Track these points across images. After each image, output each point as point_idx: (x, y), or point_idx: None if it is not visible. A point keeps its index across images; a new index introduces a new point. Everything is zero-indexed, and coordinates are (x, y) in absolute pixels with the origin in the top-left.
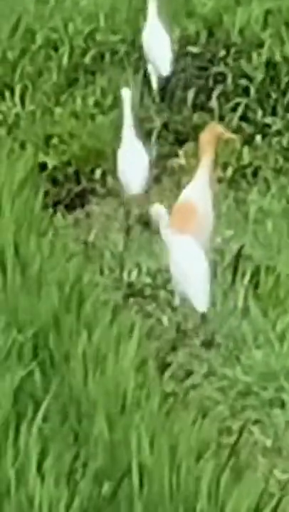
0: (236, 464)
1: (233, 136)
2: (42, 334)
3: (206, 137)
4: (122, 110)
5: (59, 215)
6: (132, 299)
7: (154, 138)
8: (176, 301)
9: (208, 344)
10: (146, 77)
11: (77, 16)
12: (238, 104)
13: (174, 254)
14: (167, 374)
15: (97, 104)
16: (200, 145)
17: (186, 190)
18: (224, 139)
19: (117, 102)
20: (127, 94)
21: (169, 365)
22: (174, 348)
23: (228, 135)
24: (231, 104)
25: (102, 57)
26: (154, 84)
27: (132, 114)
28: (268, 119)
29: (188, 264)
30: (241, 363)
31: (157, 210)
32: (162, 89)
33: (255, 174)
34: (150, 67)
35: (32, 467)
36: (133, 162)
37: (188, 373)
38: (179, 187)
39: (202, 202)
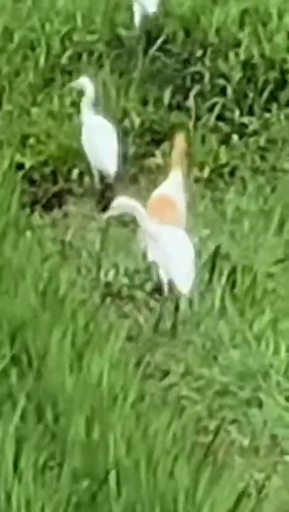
0: (214, 463)
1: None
2: (19, 333)
3: (175, 151)
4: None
5: (36, 214)
6: (109, 299)
7: (131, 137)
8: (165, 290)
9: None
10: (121, 78)
11: (54, 16)
12: (215, 104)
13: (160, 240)
14: (144, 374)
15: (73, 104)
16: (172, 158)
17: (162, 187)
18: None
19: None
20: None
21: (146, 364)
22: (151, 348)
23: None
24: (208, 103)
25: (79, 57)
26: (137, 24)
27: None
28: (245, 119)
29: (175, 248)
30: (218, 363)
31: (126, 202)
32: (139, 88)
33: (232, 174)
34: (136, 7)
35: (9, 466)
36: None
37: (166, 373)
38: (155, 186)
39: (179, 199)
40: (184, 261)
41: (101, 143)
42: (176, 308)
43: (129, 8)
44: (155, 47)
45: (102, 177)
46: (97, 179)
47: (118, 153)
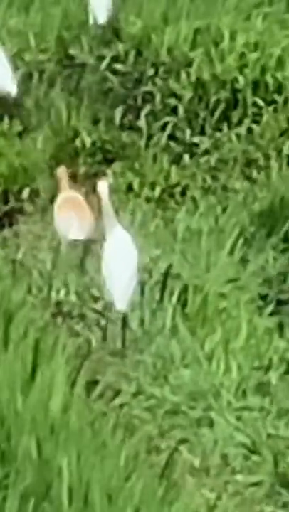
0: (166, 483)
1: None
2: None
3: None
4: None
5: None
6: (59, 318)
7: (82, 157)
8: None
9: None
10: (73, 96)
11: (6, 34)
12: (166, 124)
13: (104, 252)
14: (95, 393)
15: (23, 123)
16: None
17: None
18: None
19: (43, 122)
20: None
21: (97, 384)
22: (102, 367)
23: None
24: (160, 123)
25: (31, 76)
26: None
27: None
28: (196, 139)
29: (113, 262)
30: (169, 382)
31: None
32: (90, 108)
33: (183, 193)
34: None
35: None
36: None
37: (117, 392)
38: None
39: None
40: (120, 276)
41: None
42: (127, 327)
43: (81, 26)
44: (105, 66)
45: None
46: None
47: None
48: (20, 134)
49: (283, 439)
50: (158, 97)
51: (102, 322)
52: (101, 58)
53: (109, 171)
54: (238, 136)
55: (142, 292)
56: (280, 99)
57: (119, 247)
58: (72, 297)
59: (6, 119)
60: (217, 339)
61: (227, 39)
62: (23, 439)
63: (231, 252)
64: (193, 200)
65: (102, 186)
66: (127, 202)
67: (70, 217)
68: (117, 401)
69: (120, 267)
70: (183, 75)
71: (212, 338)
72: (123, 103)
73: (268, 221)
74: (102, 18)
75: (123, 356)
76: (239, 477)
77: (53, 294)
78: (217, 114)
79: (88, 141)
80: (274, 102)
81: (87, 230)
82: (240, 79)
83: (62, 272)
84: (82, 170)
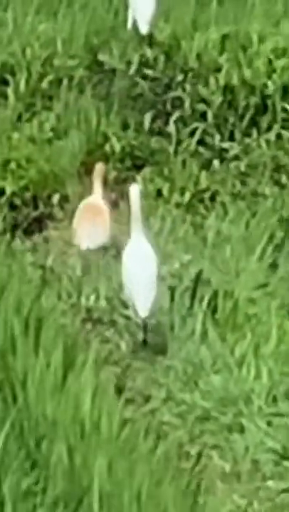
0: (196, 489)
1: None
2: (0, 359)
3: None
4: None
5: (17, 239)
6: (89, 324)
7: (111, 163)
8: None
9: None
10: (102, 102)
11: (34, 41)
12: (195, 129)
13: (124, 258)
14: (126, 399)
15: (53, 129)
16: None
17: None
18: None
19: (73, 127)
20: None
21: (127, 390)
22: (132, 374)
23: None
24: (189, 128)
25: (60, 82)
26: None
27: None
28: (226, 144)
29: (135, 269)
30: (200, 388)
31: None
32: (119, 113)
33: (212, 199)
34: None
35: None
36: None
37: (147, 398)
38: None
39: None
40: (140, 282)
41: None
42: (158, 333)
43: (110, 32)
44: (134, 71)
45: None
46: None
47: None
48: (49, 140)
49: None
50: (187, 103)
51: (133, 328)
52: (130, 64)
53: (138, 177)
54: (267, 141)
55: (172, 298)
56: None
57: (139, 253)
58: (102, 303)
59: (36, 125)
60: (247, 345)
61: (256, 44)
62: (54, 446)
63: (261, 257)
64: (223, 205)
65: (134, 190)
66: (157, 208)
67: (87, 225)
68: (148, 407)
69: (140, 273)
70: (212, 81)
71: (242, 344)
72: (152, 109)
73: None
74: (145, 29)
75: (153, 362)
76: (270, 483)
77: (83, 300)
78: (246, 119)
79: (118, 146)
80: None
81: (100, 240)
82: (270, 84)
83: (92, 278)
84: (111, 176)
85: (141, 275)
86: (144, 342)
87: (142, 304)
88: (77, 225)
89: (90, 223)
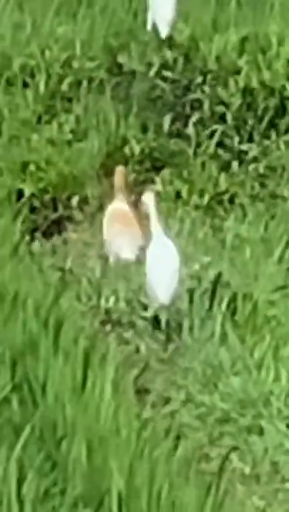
0: (215, 491)
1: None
2: (20, 361)
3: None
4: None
5: (36, 241)
6: (109, 326)
7: (131, 165)
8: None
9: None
10: (121, 104)
11: (53, 43)
12: (214, 131)
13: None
14: (145, 401)
15: (72, 131)
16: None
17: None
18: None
19: (92, 129)
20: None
21: (147, 391)
22: (151, 375)
23: None
24: (208, 131)
25: (79, 84)
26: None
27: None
28: (245, 146)
29: (156, 258)
30: (219, 390)
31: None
32: (139, 116)
33: (231, 201)
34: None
35: (11, 494)
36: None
37: (166, 400)
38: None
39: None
40: (162, 272)
41: None
42: (177, 335)
43: (129, 34)
44: (154, 73)
45: None
46: None
47: None
48: (69, 142)
49: None
50: (206, 105)
51: (152, 330)
52: (149, 66)
53: (157, 179)
54: (286, 143)
55: (191, 300)
56: None
57: (161, 251)
58: (122, 305)
59: (56, 127)
60: (266, 347)
61: (275, 46)
62: (74, 448)
63: (280, 259)
64: (242, 207)
65: (149, 198)
66: (176, 209)
67: (122, 235)
68: (167, 409)
69: (162, 266)
70: (231, 83)
71: (261, 346)
72: (172, 111)
73: None
74: (165, 32)
75: (173, 364)
76: None
77: (102, 301)
78: (265, 121)
79: (137, 148)
80: None
81: (137, 250)
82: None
83: (111, 280)
84: (130, 178)
85: (165, 266)
86: (155, 335)
87: (163, 291)
88: (110, 236)
89: (128, 234)
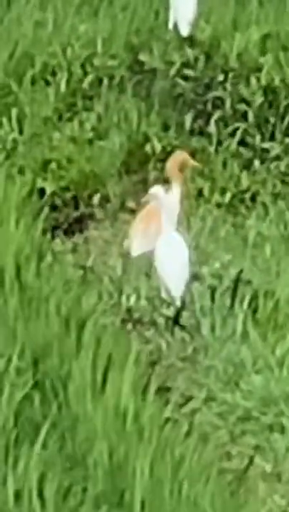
0: (237, 489)
1: (196, 164)
2: (41, 359)
3: (170, 164)
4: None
5: (58, 240)
6: (130, 324)
7: (152, 163)
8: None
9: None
10: (143, 102)
11: (75, 41)
12: (236, 129)
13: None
14: (166, 399)
15: (94, 129)
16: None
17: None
18: (189, 165)
19: (113, 127)
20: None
21: (168, 390)
22: (172, 374)
23: (192, 163)
24: (230, 129)
25: (100, 82)
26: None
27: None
28: (267, 144)
29: (166, 252)
30: (241, 388)
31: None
32: (160, 114)
33: (253, 199)
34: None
35: (33, 492)
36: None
37: (188, 398)
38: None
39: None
40: (177, 265)
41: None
42: (198, 333)
43: (151, 32)
44: (175, 71)
45: None
46: None
47: None
48: (90, 140)
49: None
50: (228, 103)
51: (173, 328)
52: (171, 64)
53: None
54: None
55: (213, 298)
56: None
57: (171, 244)
58: (143, 303)
59: (77, 125)
60: (288, 344)
61: None
62: (95, 446)
63: None
64: (264, 205)
65: (156, 192)
66: (198, 207)
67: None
68: (188, 407)
69: (173, 259)
70: (253, 81)
71: (283, 344)
72: (193, 109)
73: None
74: (186, 32)
75: (194, 362)
76: None
77: (124, 300)
78: (287, 119)
79: (158, 146)
80: None
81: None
82: None
83: (132, 278)
84: (152, 176)
85: (176, 259)
86: (176, 321)
87: (175, 284)
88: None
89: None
